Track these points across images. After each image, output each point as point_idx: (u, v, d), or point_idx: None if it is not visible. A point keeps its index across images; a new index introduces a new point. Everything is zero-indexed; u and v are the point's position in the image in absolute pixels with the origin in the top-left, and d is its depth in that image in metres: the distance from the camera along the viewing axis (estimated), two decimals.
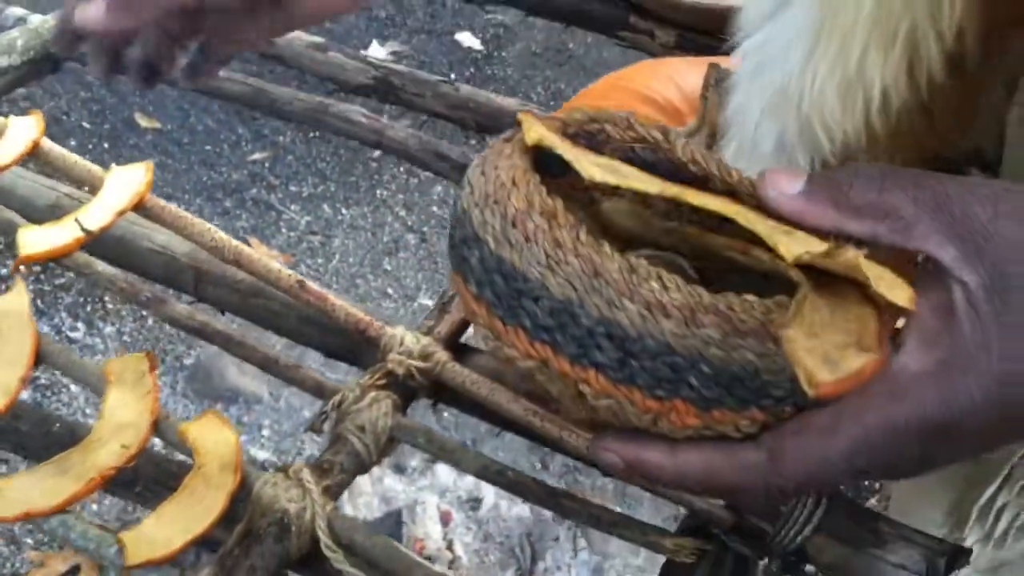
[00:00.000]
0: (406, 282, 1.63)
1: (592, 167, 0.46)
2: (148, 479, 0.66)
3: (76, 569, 1.25)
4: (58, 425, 0.70)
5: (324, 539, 0.60)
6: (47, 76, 1.32)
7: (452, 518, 1.35)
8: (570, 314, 0.41)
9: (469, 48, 2.09)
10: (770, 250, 0.44)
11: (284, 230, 1.67)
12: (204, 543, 0.61)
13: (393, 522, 1.29)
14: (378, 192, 1.73)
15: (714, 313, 0.40)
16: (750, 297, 0.41)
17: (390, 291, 1.62)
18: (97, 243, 0.76)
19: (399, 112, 1.59)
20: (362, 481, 1.35)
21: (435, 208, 1.73)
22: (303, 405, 1.48)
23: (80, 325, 1.50)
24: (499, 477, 0.66)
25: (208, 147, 1.78)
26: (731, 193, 0.48)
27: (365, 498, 1.34)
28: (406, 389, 0.69)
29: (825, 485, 0.43)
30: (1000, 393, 0.39)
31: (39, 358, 0.65)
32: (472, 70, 2.01)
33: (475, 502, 1.37)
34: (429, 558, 1.27)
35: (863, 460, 0.41)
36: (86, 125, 1.76)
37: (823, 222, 0.43)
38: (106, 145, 1.69)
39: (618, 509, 0.74)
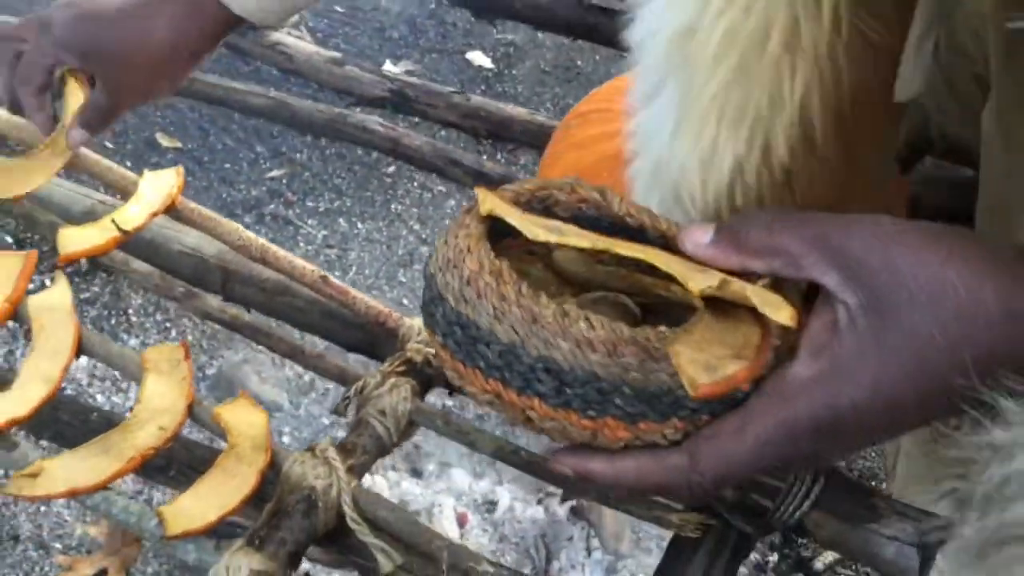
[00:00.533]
0: (420, 292, 1.67)
1: (536, 228, 0.54)
2: (181, 464, 0.70)
3: (104, 572, 1.28)
4: (95, 415, 0.74)
5: (349, 513, 0.63)
6: None
7: (468, 520, 1.37)
8: (514, 354, 0.49)
9: (480, 67, 2.14)
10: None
11: (302, 244, 1.71)
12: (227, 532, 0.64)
13: None
14: (393, 206, 1.77)
15: (632, 344, 0.48)
16: (663, 328, 0.50)
17: (405, 301, 1.65)
18: (130, 246, 0.80)
19: (413, 125, 1.64)
20: (380, 485, 1.38)
21: (448, 221, 1.77)
22: (322, 413, 1.51)
23: (105, 338, 1.54)
24: (513, 457, 0.69)
25: (227, 165, 1.83)
26: (663, 238, 0.57)
27: None
28: (423, 376, 0.73)
29: (737, 479, 0.50)
30: (875, 396, 0.46)
31: (80, 349, 0.70)
32: (483, 88, 2.05)
33: (490, 505, 1.40)
34: None
35: (766, 455, 0.48)
36: (109, 145, 1.81)
37: (731, 264, 0.51)
38: (129, 164, 1.74)
39: None
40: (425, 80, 1.81)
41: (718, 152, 0.59)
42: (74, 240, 0.75)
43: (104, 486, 0.62)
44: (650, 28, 0.59)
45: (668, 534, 0.70)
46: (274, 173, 1.81)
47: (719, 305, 0.51)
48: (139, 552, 1.29)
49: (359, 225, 1.75)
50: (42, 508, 1.34)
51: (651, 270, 0.56)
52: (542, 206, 0.58)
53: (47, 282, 1.45)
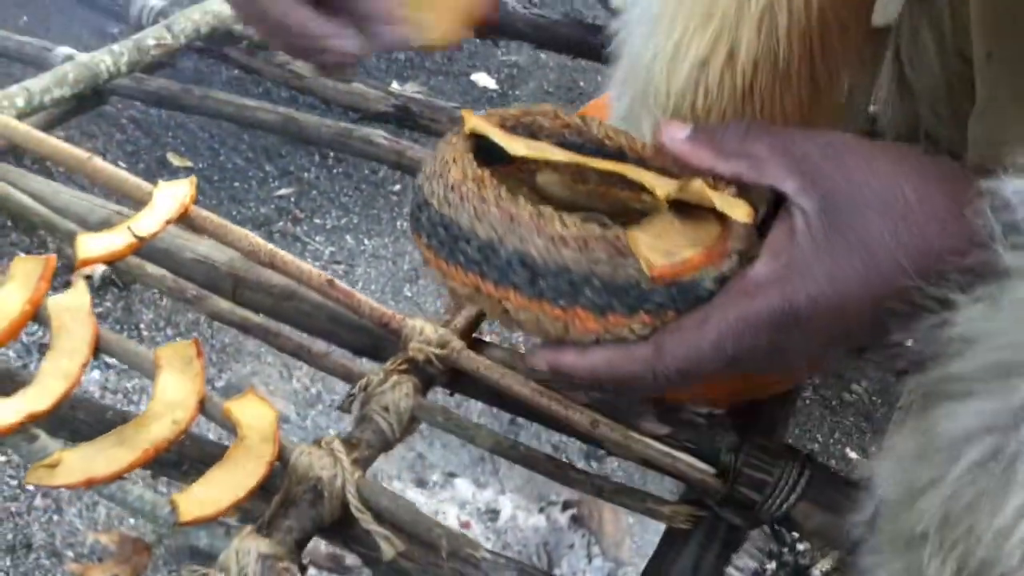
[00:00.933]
0: (426, 307, 1.69)
1: (517, 145, 0.58)
2: (193, 459, 0.73)
3: None
4: (111, 413, 0.77)
5: (354, 502, 0.66)
6: (95, 108, 1.41)
7: (471, 528, 1.40)
8: (492, 249, 0.53)
9: (485, 88, 2.18)
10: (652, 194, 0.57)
11: (310, 260, 1.74)
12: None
13: None
14: (398, 223, 1.80)
15: (603, 241, 0.52)
16: (633, 228, 0.53)
17: None
18: (145, 253, 0.84)
19: (417, 141, 1.67)
20: None
21: None
22: (329, 424, 1.54)
23: (121, 337, 1.57)
24: (511, 451, 0.72)
25: (237, 184, 1.86)
26: (639, 158, 0.61)
27: None
28: (425, 374, 0.76)
29: (701, 372, 0.53)
30: (830, 292, 0.49)
31: (98, 347, 0.73)
32: (488, 108, 2.09)
33: (493, 513, 1.42)
34: None
35: (728, 348, 0.51)
36: (122, 164, 1.84)
37: (702, 162, 0.54)
38: None
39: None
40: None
41: (682, 50, 0.63)
42: (92, 246, 0.78)
43: (120, 476, 0.65)
44: None
45: None
46: (282, 191, 1.85)
47: (686, 210, 0.55)
48: (150, 559, 1.31)
49: (366, 242, 1.78)
50: (54, 517, 1.36)
51: (627, 185, 0.59)
52: (527, 132, 0.62)
53: None
